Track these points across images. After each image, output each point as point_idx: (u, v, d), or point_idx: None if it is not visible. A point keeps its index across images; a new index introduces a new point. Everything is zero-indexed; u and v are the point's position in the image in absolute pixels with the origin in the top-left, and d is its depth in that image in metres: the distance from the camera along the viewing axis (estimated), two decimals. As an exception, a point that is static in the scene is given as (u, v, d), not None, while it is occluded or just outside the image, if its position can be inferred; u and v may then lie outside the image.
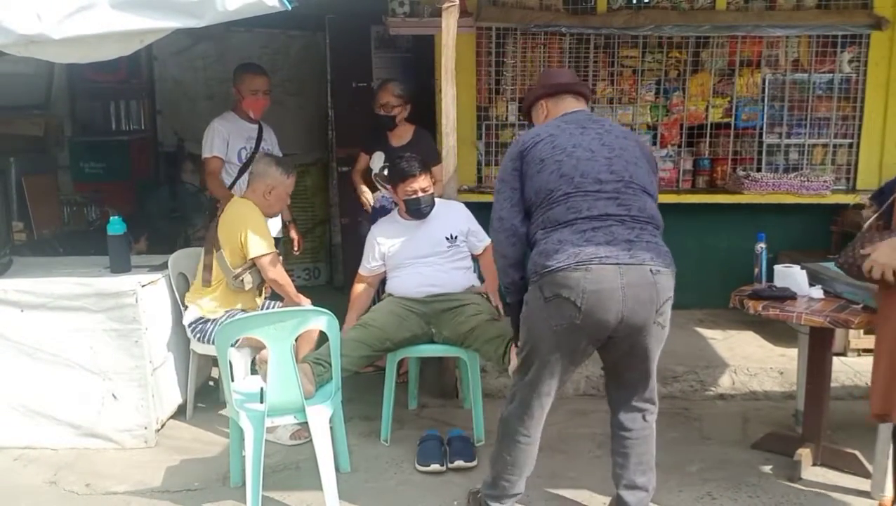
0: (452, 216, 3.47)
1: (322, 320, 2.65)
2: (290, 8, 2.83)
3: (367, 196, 4.09)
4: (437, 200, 3.48)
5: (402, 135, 4.11)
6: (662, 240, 2.49)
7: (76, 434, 3.31)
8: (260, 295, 3.59)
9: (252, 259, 3.34)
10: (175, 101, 5.72)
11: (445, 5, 3.51)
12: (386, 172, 4.01)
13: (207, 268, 3.42)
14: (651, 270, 2.34)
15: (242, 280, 3.37)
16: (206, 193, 5.63)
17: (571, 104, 2.66)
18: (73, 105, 5.45)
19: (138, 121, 5.67)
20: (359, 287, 3.52)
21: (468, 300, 3.32)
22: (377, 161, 4.13)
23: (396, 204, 3.64)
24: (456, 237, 3.42)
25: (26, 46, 2.85)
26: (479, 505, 2.66)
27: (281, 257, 3.62)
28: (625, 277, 2.31)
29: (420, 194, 3.36)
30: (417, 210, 3.39)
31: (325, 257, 6.04)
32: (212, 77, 5.72)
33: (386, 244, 3.44)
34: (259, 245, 3.32)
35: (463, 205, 3.56)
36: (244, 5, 2.79)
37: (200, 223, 5.51)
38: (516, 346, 2.66)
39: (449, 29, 3.56)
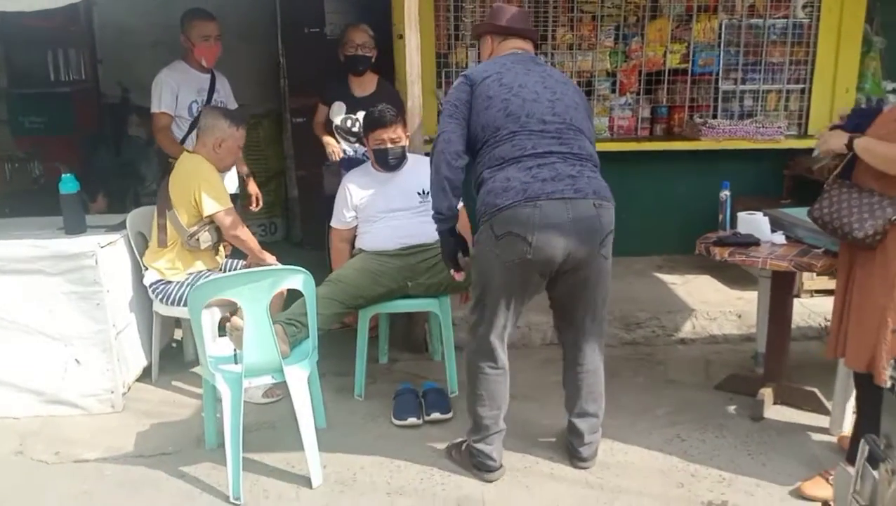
0: (426, 171, 3.41)
1: (298, 279, 2.60)
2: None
3: (335, 147, 3.95)
4: (411, 154, 3.43)
5: (366, 84, 4.00)
6: (600, 176, 2.60)
7: (39, 401, 3.21)
8: (217, 253, 3.50)
9: (209, 216, 3.24)
10: (118, 50, 5.44)
11: (409, -51, 3.39)
12: (349, 124, 3.91)
13: (162, 228, 3.31)
14: (594, 204, 2.48)
15: (198, 239, 3.27)
16: (155, 147, 5.47)
17: (518, 44, 2.75)
18: (6, 54, 5.12)
19: (79, 70, 5.37)
20: (338, 244, 3.47)
21: None
22: (338, 112, 3.99)
23: (366, 155, 3.59)
24: (428, 193, 3.37)
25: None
26: (469, 454, 2.71)
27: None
28: (571, 211, 2.43)
29: (389, 145, 3.30)
30: (385, 161, 3.33)
31: (282, 212, 5.92)
32: (156, 23, 5.41)
33: (357, 195, 3.38)
34: (214, 201, 3.22)
35: None
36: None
37: (151, 178, 5.32)
38: (453, 269, 2.77)
39: (412, -27, 3.45)
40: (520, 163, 2.48)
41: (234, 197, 3.69)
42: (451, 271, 2.82)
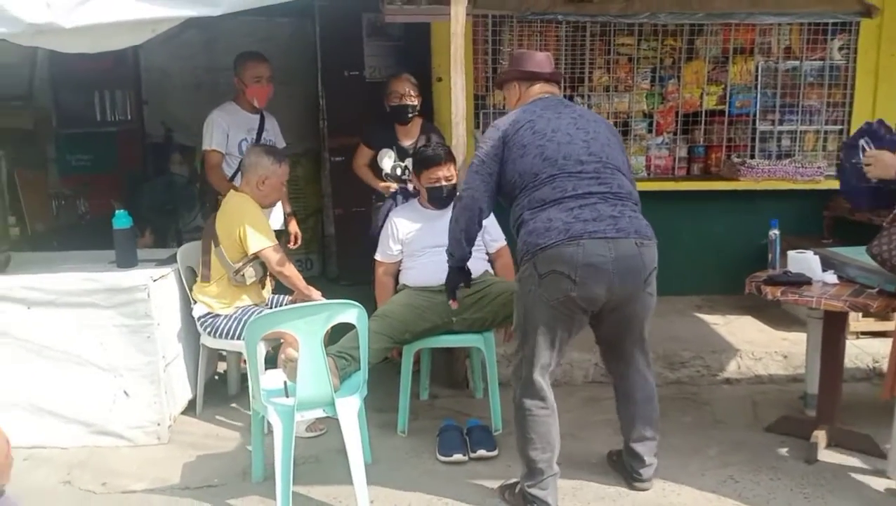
0: None
1: (353, 313, 2.62)
2: (308, -5, 2.78)
3: (387, 184, 3.96)
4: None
5: (412, 130, 4.06)
6: (641, 214, 2.64)
7: (87, 432, 3.23)
8: (263, 288, 3.54)
9: (254, 253, 3.29)
10: (162, 91, 5.61)
11: (454, -7, 3.47)
12: (398, 172, 3.96)
13: (206, 264, 3.37)
14: (636, 243, 2.51)
15: (244, 274, 3.33)
16: (197, 185, 5.59)
17: (545, 88, 2.81)
18: (56, 96, 5.30)
19: (124, 111, 5.53)
20: (382, 278, 3.49)
21: (489, 281, 3.34)
22: (386, 160, 4.02)
23: (410, 194, 3.67)
24: (473, 231, 3.40)
25: (34, 37, 2.77)
26: (523, 498, 2.66)
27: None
28: (614, 250, 2.46)
29: (443, 183, 3.35)
30: (439, 198, 3.38)
31: (318, 248, 5.98)
32: (199, 66, 5.61)
33: (404, 229, 3.42)
34: (259, 239, 3.28)
35: None
36: (262, -8, 2.74)
37: (191, 216, 5.43)
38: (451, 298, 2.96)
39: (458, 16, 3.51)
40: (561, 204, 2.52)
41: (278, 233, 3.74)
42: (449, 300, 3.01)
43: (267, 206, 3.47)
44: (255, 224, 3.29)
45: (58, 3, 2.67)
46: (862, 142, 2.60)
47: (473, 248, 3.37)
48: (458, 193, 2.82)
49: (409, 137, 4.05)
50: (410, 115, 4.01)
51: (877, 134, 2.57)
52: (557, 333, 2.54)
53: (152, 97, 5.64)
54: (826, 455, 3.03)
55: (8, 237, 3.93)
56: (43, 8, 2.67)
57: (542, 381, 2.60)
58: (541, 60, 2.85)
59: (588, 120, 2.71)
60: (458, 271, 2.92)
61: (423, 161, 3.36)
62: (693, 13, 4.65)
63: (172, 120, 5.62)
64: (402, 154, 3.98)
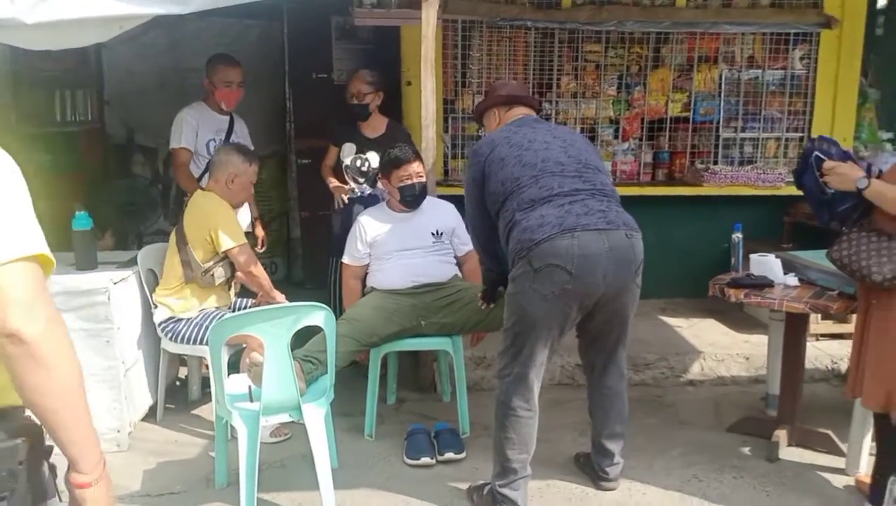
0: (440, 213, 3.46)
1: (320, 315, 2.59)
2: (278, -5, 2.76)
3: (342, 190, 3.97)
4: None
5: (376, 126, 4.05)
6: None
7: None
8: (229, 289, 3.49)
9: (224, 252, 3.25)
10: (125, 92, 5.48)
11: (426, -4, 3.48)
12: (358, 164, 3.94)
13: (176, 264, 3.31)
14: (626, 235, 2.56)
15: (213, 274, 3.28)
16: (159, 186, 5.50)
17: (522, 111, 2.89)
18: (16, 94, 5.15)
19: (85, 112, 5.41)
20: (350, 281, 3.46)
21: (460, 287, 3.33)
22: (348, 152, 4.02)
23: (370, 196, 3.64)
24: (442, 234, 3.41)
25: (-6, 31, 2.69)
26: (492, 498, 2.65)
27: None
28: (607, 241, 2.50)
29: (415, 180, 3.34)
30: (412, 196, 3.35)
31: (283, 252, 5.91)
32: (163, 67, 5.50)
33: (372, 232, 3.39)
34: (229, 238, 3.23)
35: (452, 206, 3.52)
36: (233, -9, 2.70)
37: (153, 218, 5.33)
38: (485, 301, 3.08)
39: (429, 20, 3.54)
40: (551, 201, 2.55)
41: (246, 235, 3.70)
42: (480, 300, 3.11)
43: (236, 205, 3.42)
44: (226, 223, 3.25)
45: (20, -1, 2.60)
46: (812, 160, 2.64)
47: (440, 254, 3.40)
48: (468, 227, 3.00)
49: (373, 129, 4.03)
50: (363, 115, 3.99)
51: (826, 152, 2.62)
52: (552, 329, 2.54)
53: (115, 97, 5.52)
54: (787, 454, 3.09)
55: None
56: (6, 3, 2.60)
57: (535, 381, 2.60)
58: (517, 86, 3.01)
59: (563, 131, 2.84)
60: (498, 281, 2.98)
61: (393, 161, 3.35)
62: (659, 22, 4.74)
63: (135, 121, 5.50)
64: (366, 145, 3.96)
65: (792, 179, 4.80)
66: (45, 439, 1.29)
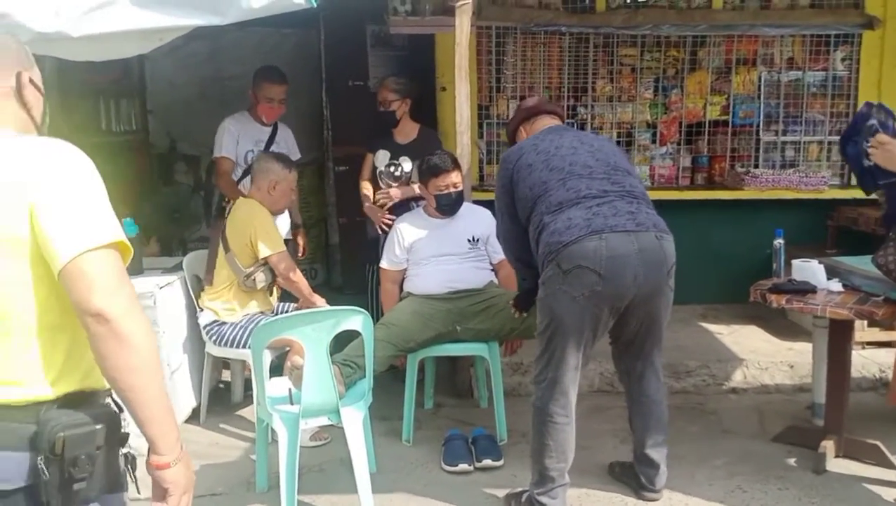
0: (476, 220, 3.48)
1: (358, 320, 2.62)
2: (315, 6, 2.80)
3: (382, 195, 3.98)
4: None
5: (408, 132, 4.08)
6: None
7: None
8: (271, 294, 3.54)
9: (264, 259, 3.30)
10: (167, 101, 5.61)
11: (459, 3, 3.50)
12: (392, 169, 3.99)
13: (217, 269, 3.38)
14: (656, 236, 2.54)
15: (254, 279, 3.34)
16: (202, 194, 5.60)
17: (546, 121, 2.91)
18: (64, 104, 5.30)
19: (129, 121, 5.54)
20: (388, 286, 3.50)
21: (495, 293, 3.33)
22: (382, 159, 4.07)
23: (402, 203, 3.72)
24: (478, 240, 3.43)
25: (42, 45, 2.76)
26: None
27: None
28: (636, 242, 2.48)
29: (452, 190, 3.36)
30: (447, 205, 3.38)
31: (322, 258, 5.98)
32: (204, 77, 5.62)
33: (409, 238, 3.42)
34: (269, 245, 3.29)
35: (489, 213, 3.51)
36: (270, 3, 2.74)
37: (196, 225, 5.43)
38: (517, 309, 3.08)
39: (462, 27, 3.55)
40: (579, 204, 2.54)
41: (286, 242, 3.75)
42: (513, 308, 3.12)
43: (277, 212, 3.48)
44: (266, 230, 3.31)
45: (66, 12, 2.67)
46: (866, 126, 2.53)
47: (476, 261, 3.41)
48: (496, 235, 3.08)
49: (405, 136, 4.05)
50: (392, 122, 4.01)
51: (883, 124, 2.51)
52: (584, 332, 2.51)
53: (157, 107, 5.65)
54: (834, 465, 3.02)
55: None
56: (51, 16, 2.67)
57: (570, 386, 2.58)
58: (537, 98, 3.06)
59: (591, 136, 2.88)
60: (531, 290, 2.92)
61: (431, 169, 3.37)
62: (696, 25, 4.70)
63: (177, 130, 5.63)
64: (398, 151, 4.00)
65: (836, 183, 4.80)
66: (122, 427, 1.38)
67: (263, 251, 3.28)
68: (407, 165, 3.93)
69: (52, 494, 1.26)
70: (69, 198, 1.30)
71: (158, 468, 1.34)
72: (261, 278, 3.34)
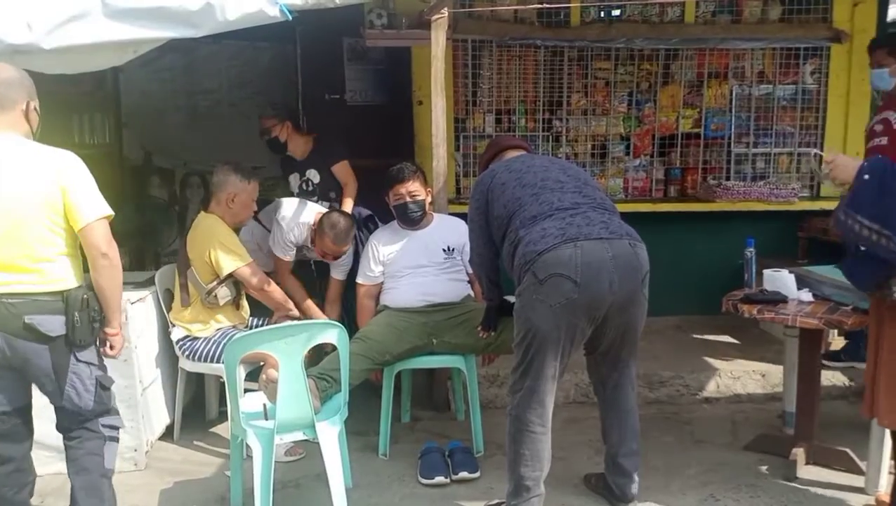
0: (451, 230, 3.49)
1: (333, 333, 2.62)
2: (290, 18, 2.81)
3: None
4: (436, 214, 3.50)
5: (304, 148, 4.12)
6: None
7: (61, 458, 3.10)
8: (240, 308, 3.50)
9: (228, 274, 3.28)
10: (141, 114, 5.56)
11: (435, 17, 3.53)
12: (305, 187, 4.09)
13: (183, 287, 3.35)
14: (630, 244, 2.57)
15: (216, 295, 3.31)
16: (175, 208, 5.56)
17: (516, 153, 3.01)
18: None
19: (103, 134, 5.49)
20: (364, 300, 3.49)
21: (471, 308, 3.34)
22: (294, 182, 4.16)
23: (368, 217, 3.85)
24: (453, 249, 3.43)
25: (13, 56, 2.73)
26: None
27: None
28: (610, 250, 2.51)
29: (408, 199, 3.37)
30: (405, 215, 3.40)
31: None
32: (179, 89, 5.59)
33: (384, 251, 3.43)
34: (232, 259, 3.26)
35: (463, 222, 3.52)
36: (244, 15, 2.76)
37: (170, 239, 5.39)
38: (483, 329, 3.14)
39: (438, 40, 3.57)
40: (552, 216, 2.58)
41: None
42: (480, 328, 3.12)
43: (238, 224, 3.43)
44: (225, 245, 3.27)
45: (39, 24, 2.66)
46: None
47: (452, 272, 3.42)
48: (469, 259, 3.15)
49: (302, 151, 4.11)
50: (282, 144, 4.07)
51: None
52: (561, 341, 2.52)
53: (131, 120, 5.60)
54: (805, 472, 3.05)
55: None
56: (24, 29, 2.65)
57: (547, 396, 2.59)
58: (508, 136, 3.26)
59: (561, 160, 3.05)
60: (496, 309, 3.09)
61: (387, 181, 3.43)
62: (668, 38, 4.77)
63: (152, 143, 5.59)
64: (303, 167, 4.10)
65: (805, 195, 4.87)
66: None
67: (227, 267, 3.25)
68: (315, 176, 4.04)
69: (83, 332, 2.28)
70: (83, 184, 2.27)
71: (111, 336, 2.42)
72: (223, 294, 3.31)
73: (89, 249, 2.25)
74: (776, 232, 4.87)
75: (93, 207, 2.24)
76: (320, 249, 3.52)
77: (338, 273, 3.77)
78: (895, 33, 3.99)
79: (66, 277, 2.27)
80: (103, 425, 2.43)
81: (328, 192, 4.06)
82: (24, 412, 2.42)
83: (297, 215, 3.69)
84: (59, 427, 2.43)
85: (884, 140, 3.66)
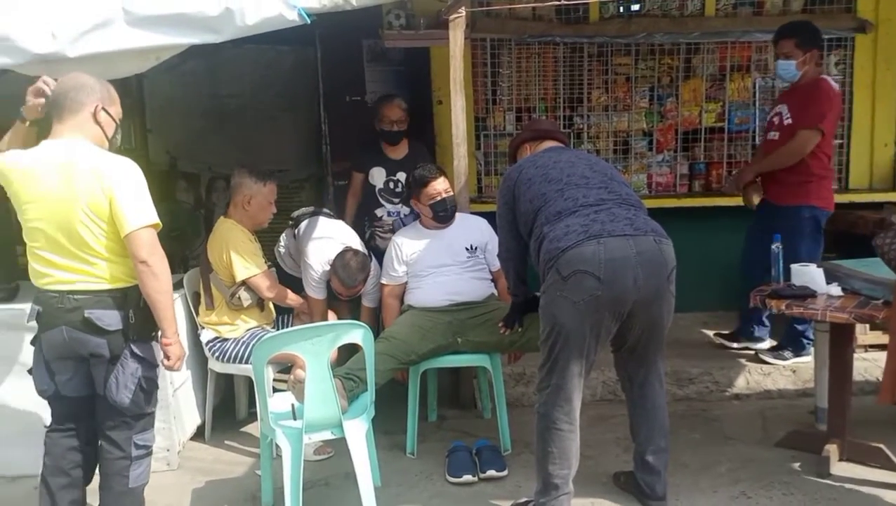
0: (473, 228, 3.49)
1: (358, 333, 2.63)
2: (309, 22, 2.83)
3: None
4: (458, 213, 3.51)
5: (401, 148, 4.15)
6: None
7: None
8: (262, 310, 3.53)
9: (242, 281, 3.33)
10: (166, 120, 5.63)
11: (452, 17, 3.52)
12: (392, 186, 4.03)
13: (207, 290, 3.39)
14: (655, 240, 2.55)
15: (239, 297, 3.35)
16: (202, 212, 5.62)
17: (550, 144, 2.97)
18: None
19: (129, 140, 5.55)
20: (389, 300, 3.51)
21: (495, 306, 3.34)
22: (378, 177, 4.14)
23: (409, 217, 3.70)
24: (476, 248, 3.43)
25: (39, 66, 2.78)
26: None
27: (274, 270, 3.56)
28: (634, 246, 2.49)
29: (445, 196, 3.39)
30: (444, 211, 3.41)
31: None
32: (203, 94, 5.64)
33: (407, 251, 3.44)
34: (244, 267, 3.30)
35: (484, 220, 3.55)
36: (263, 20, 2.78)
37: (196, 243, 5.44)
38: (504, 326, 3.13)
39: (456, 40, 3.57)
40: (576, 212, 2.56)
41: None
42: (501, 324, 3.11)
43: (256, 227, 3.45)
44: (239, 252, 3.30)
45: (63, 33, 2.70)
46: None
47: (475, 270, 3.42)
48: (497, 253, 3.12)
49: (398, 152, 4.14)
50: (399, 140, 4.11)
51: None
52: (586, 338, 2.51)
53: (157, 125, 5.67)
54: (838, 469, 3.01)
55: (17, 267, 3.93)
56: (48, 38, 2.70)
57: (574, 393, 2.58)
58: (546, 122, 3.15)
59: (589, 155, 2.95)
60: (522, 304, 3.06)
61: (419, 180, 3.42)
62: (689, 32, 4.73)
63: (177, 148, 5.65)
64: (394, 167, 4.09)
65: (834, 187, 4.78)
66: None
67: (240, 274, 3.30)
68: (404, 179, 3.98)
69: (137, 329, 2.39)
70: (129, 192, 2.33)
71: (165, 345, 2.41)
72: (246, 296, 3.35)
73: (132, 256, 2.31)
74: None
75: (136, 216, 2.29)
76: (335, 287, 3.47)
77: (368, 301, 3.69)
78: (803, 24, 3.95)
79: (124, 277, 2.37)
80: (136, 445, 2.48)
81: (410, 197, 4.06)
82: (93, 400, 2.48)
83: (321, 256, 3.52)
84: (98, 418, 2.48)
85: (776, 135, 3.84)
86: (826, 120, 3.67)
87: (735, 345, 4.11)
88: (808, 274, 3.08)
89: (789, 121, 3.76)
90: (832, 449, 3.00)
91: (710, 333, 4.46)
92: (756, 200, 3.94)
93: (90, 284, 2.34)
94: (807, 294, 2.98)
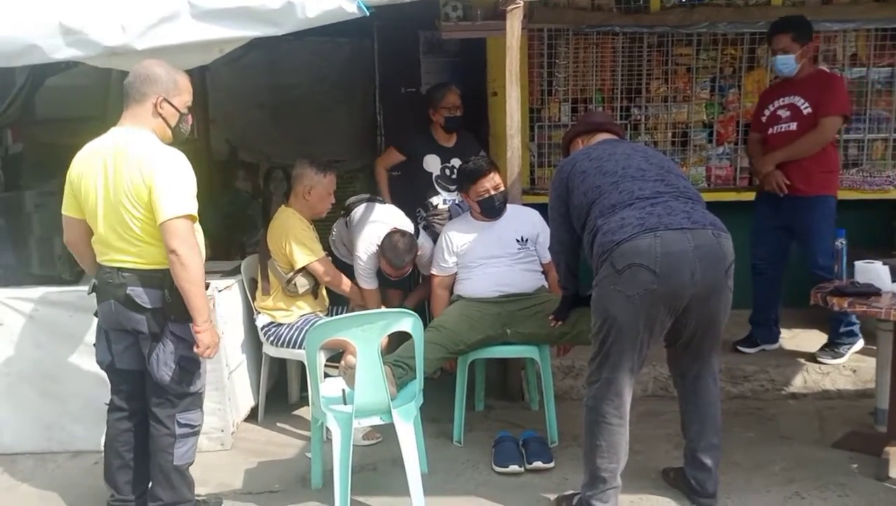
0: (524, 220, 3.49)
1: (408, 322, 2.67)
2: (367, 14, 2.87)
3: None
4: (509, 205, 3.51)
5: (451, 136, 4.20)
6: None
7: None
8: (316, 297, 3.60)
9: (301, 267, 3.40)
10: (227, 111, 5.78)
11: (510, 7, 3.52)
12: (448, 173, 4.07)
13: (264, 276, 3.48)
14: (713, 234, 2.49)
15: (295, 284, 3.43)
16: (259, 200, 5.76)
17: (604, 136, 2.93)
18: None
19: (192, 130, 5.72)
20: (438, 290, 3.54)
21: (545, 298, 3.33)
22: (433, 164, 4.17)
23: (461, 207, 3.70)
24: (527, 240, 3.43)
25: (109, 58, 2.91)
26: None
27: (330, 257, 3.66)
28: (692, 239, 2.44)
29: (493, 192, 3.38)
30: (492, 208, 3.41)
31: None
32: (263, 86, 5.78)
33: (458, 242, 3.46)
34: (305, 253, 3.38)
35: (536, 212, 3.55)
36: (324, 13, 2.84)
37: (255, 230, 5.59)
38: (554, 319, 3.14)
39: (513, 30, 3.56)
40: (632, 205, 2.53)
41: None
42: (552, 317, 3.12)
43: (315, 216, 3.53)
44: (299, 239, 3.39)
45: (131, 27, 2.82)
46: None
47: (526, 262, 3.42)
48: (548, 246, 3.10)
49: (449, 140, 4.19)
50: (458, 127, 4.16)
51: None
52: (640, 332, 2.47)
53: (218, 116, 5.82)
54: (898, 473, 2.92)
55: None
56: (118, 31, 2.82)
57: (625, 387, 2.56)
58: (601, 114, 3.11)
59: (644, 147, 2.92)
60: (573, 298, 3.08)
61: (469, 175, 3.43)
62: (754, 21, 4.59)
63: (237, 138, 5.81)
64: (447, 154, 4.14)
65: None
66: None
67: (300, 260, 3.37)
68: (458, 165, 4.02)
69: (174, 308, 2.47)
70: (167, 182, 2.37)
71: (197, 333, 2.47)
72: (302, 283, 3.42)
73: (165, 245, 2.38)
74: (869, 221, 4.64)
75: (170, 205, 2.35)
76: (384, 269, 3.55)
77: (425, 270, 3.77)
78: (797, 18, 3.84)
79: (163, 259, 2.44)
80: (179, 423, 2.55)
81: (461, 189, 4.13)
82: (143, 377, 2.57)
83: (370, 239, 3.60)
84: (146, 395, 2.58)
85: (792, 126, 3.79)
86: (848, 107, 3.75)
87: (752, 350, 4.01)
88: (873, 271, 2.99)
89: (809, 110, 3.73)
90: (892, 451, 2.91)
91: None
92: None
93: (135, 264, 2.46)
94: (871, 292, 2.89)
